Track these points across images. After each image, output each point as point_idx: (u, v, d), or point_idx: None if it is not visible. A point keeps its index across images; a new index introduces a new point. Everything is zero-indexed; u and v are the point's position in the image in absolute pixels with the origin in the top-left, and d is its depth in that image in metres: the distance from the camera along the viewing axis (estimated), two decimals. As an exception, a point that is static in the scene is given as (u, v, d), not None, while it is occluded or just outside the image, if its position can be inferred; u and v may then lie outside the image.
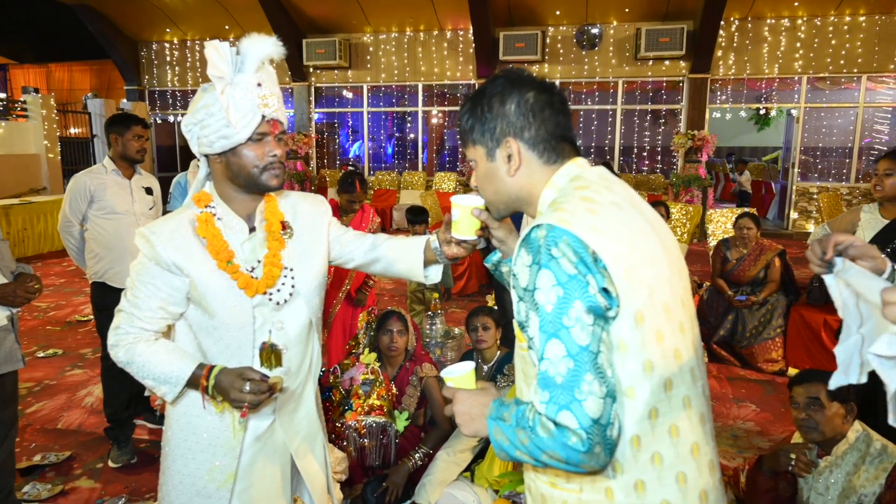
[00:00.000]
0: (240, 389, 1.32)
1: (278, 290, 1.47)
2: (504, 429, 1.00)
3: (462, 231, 1.37)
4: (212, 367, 1.39)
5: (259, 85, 1.35)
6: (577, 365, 0.92)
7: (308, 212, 1.59)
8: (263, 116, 1.36)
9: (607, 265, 0.96)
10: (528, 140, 1.12)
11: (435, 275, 1.59)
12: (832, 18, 9.76)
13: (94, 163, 3.28)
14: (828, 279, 1.02)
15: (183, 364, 1.40)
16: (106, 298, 3.07)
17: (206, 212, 1.43)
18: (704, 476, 1.04)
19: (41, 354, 4.76)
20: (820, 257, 1.03)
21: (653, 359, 0.99)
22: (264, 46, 1.36)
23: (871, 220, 3.07)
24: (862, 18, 9.70)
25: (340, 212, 3.86)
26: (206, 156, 1.44)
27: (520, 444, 0.97)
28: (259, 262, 1.46)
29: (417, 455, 2.63)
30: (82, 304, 6.24)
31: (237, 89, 1.33)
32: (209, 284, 1.40)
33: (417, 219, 4.60)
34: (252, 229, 1.48)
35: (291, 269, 1.50)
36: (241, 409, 1.34)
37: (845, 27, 9.77)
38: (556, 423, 0.92)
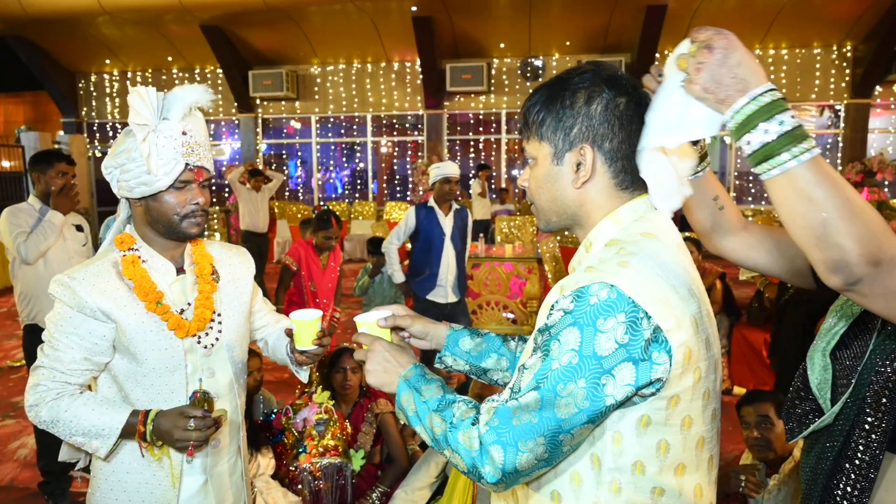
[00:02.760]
0: (184, 428, 1.27)
1: (206, 334, 1.45)
2: (416, 402, 0.96)
3: (301, 342, 1.44)
4: (147, 412, 1.33)
5: (184, 133, 1.34)
6: (540, 427, 0.84)
7: (235, 263, 1.60)
8: (187, 164, 1.35)
9: (672, 348, 0.84)
10: (608, 153, 0.95)
11: (304, 375, 1.65)
12: (758, 52, 10.42)
13: (28, 198, 3.14)
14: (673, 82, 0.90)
15: (115, 413, 1.33)
16: (40, 342, 2.90)
17: (132, 254, 1.40)
18: None
19: (-33, 406, 4.44)
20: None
21: (671, 441, 0.89)
22: (192, 94, 1.36)
23: None
24: (784, 52, 10.41)
25: (317, 250, 3.84)
26: (127, 199, 1.43)
27: (427, 425, 0.94)
28: (189, 304, 1.44)
29: (374, 495, 2.57)
30: (14, 349, 5.86)
31: (161, 136, 1.32)
32: (138, 328, 1.36)
33: (378, 250, 4.59)
34: (180, 271, 1.46)
35: (220, 315, 1.49)
36: (187, 448, 1.29)
37: (770, 59, 10.45)
38: (481, 444, 0.86)
